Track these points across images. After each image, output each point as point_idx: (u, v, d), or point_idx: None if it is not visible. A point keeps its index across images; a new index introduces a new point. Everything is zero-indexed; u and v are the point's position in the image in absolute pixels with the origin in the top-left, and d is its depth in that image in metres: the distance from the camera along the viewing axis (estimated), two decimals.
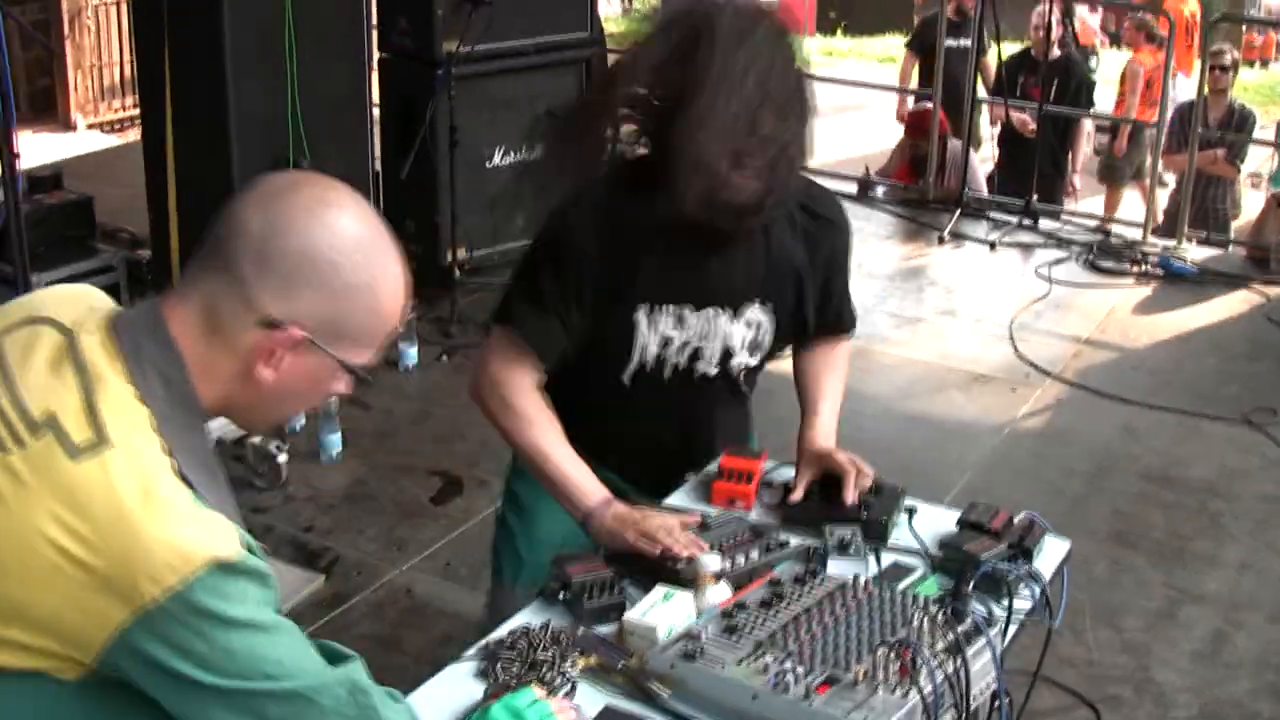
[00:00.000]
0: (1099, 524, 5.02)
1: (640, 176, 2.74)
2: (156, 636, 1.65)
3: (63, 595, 1.64)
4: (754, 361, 2.99)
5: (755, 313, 2.93)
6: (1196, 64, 8.53)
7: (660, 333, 2.86)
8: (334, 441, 5.33)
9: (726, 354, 2.93)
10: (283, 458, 5.07)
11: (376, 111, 7.01)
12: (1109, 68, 12.35)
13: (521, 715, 2.16)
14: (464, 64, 6.54)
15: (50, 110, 11.35)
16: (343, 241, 1.80)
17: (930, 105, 8.90)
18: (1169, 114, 8.76)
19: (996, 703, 2.47)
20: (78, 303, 1.85)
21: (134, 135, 9.94)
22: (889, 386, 6.17)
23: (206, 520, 1.70)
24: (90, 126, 11.35)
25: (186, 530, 1.67)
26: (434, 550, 4.74)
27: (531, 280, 2.82)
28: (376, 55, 7.04)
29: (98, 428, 1.69)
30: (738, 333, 2.92)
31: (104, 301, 1.88)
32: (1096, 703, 4.04)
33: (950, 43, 9.00)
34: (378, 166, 6.95)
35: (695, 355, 2.91)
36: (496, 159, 6.86)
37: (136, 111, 11.28)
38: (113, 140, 10.97)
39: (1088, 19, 12.10)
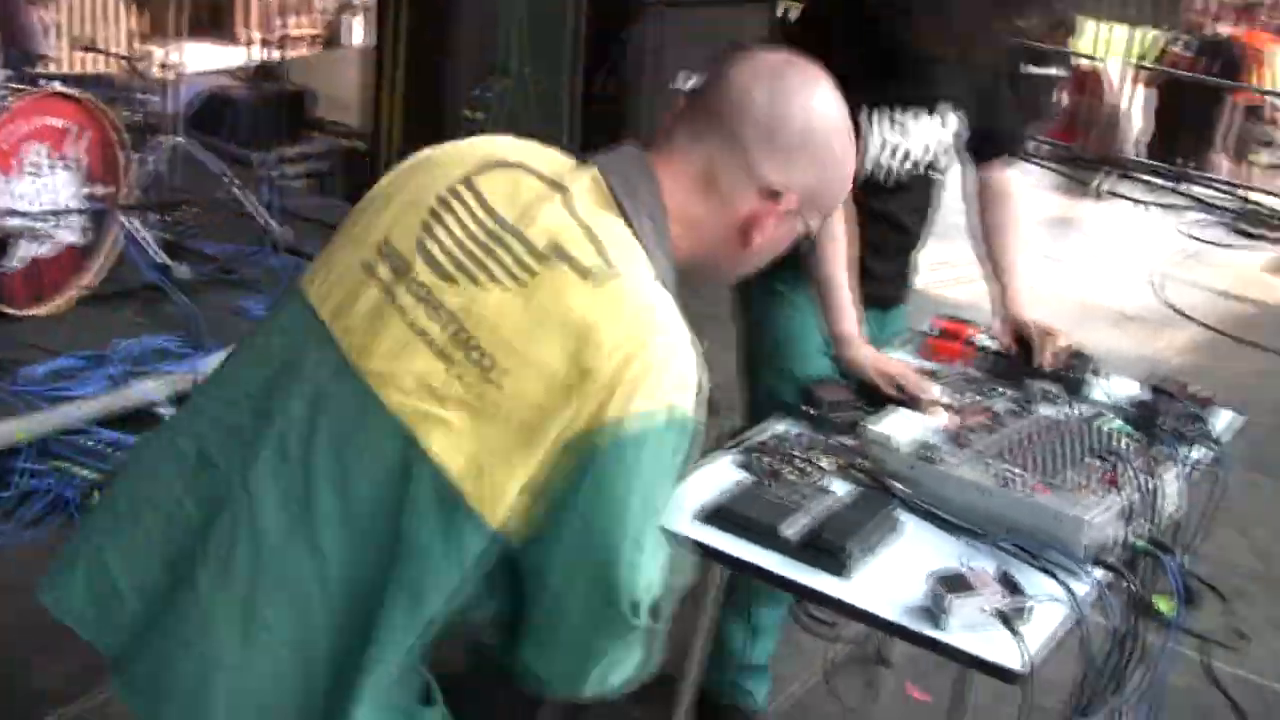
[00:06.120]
0: (1234, 448, 5.38)
1: None
2: (589, 452, 1.68)
3: (541, 405, 1.67)
4: (952, 163, 3.38)
5: (951, 116, 3.31)
6: None
7: (881, 136, 3.21)
8: None
9: (929, 154, 3.32)
10: None
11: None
12: None
13: None
14: None
15: (218, 25, 12.00)
16: (835, 122, 1.92)
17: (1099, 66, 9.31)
18: None
19: (1179, 530, 2.91)
20: (534, 150, 1.91)
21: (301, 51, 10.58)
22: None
23: (692, 361, 1.76)
24: (256, 43, 11.98)
25: (680, 366, 1.74)
26: None
27: None
28: None
29: (604, 256, 1.74)
30: (938, 134, 3.31)
31: (554, 150, 1.93)
32: (1226, 593, 4.44)
33: None
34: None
35: (906, 157, 3.28)
36: (681, 83, 7.28)
37: (300, 32, 11.96)
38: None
39: None
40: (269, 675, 1.74)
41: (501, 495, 1.69)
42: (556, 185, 1.83)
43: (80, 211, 5.22)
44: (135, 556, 1.84)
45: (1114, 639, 2.57)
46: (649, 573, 1.72)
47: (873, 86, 3.13)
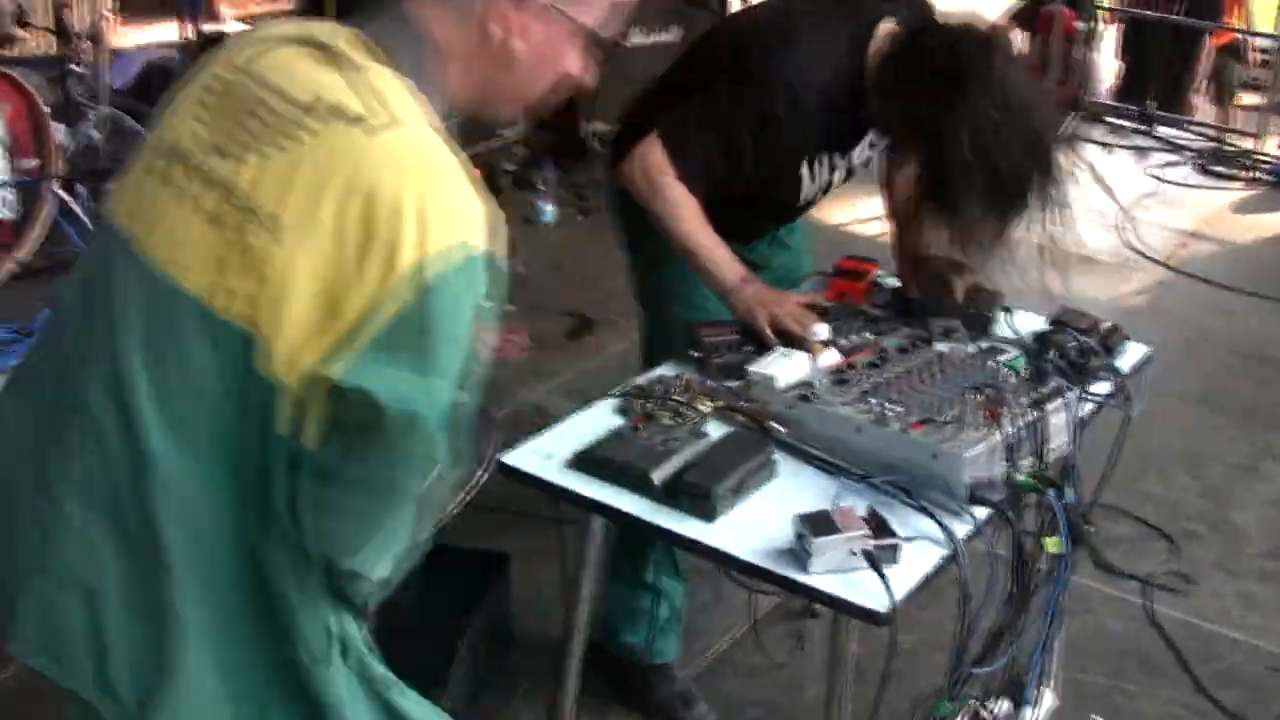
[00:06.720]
0: (1189, 387, 5.30)
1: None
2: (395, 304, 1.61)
3: (334, 267, 1.62)
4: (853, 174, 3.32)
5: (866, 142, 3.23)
6: None
7: (820, 179, 3.19)
8: None
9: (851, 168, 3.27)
10: None
11: None
12: None
13: None
14: None
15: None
16: None
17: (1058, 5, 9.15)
18: None
19: (1069, 466, 2.79)
20: (303, 24, 1.85)
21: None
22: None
23: (477, 202, 1.69)
24: (236, 19, 11.89)
25: (466, 204, 1.68)
26: (564, 377, 5.13)
27: (716, 116, 3.02)
28: None
29: (372, 104, 1.67)
30: (865, 154, 3.25)
31: (326, 23, 1.85)
32: (1173, 535, 4.35)
33: None
34: None
35: (831, 184, 3.26)
36: (636, 38, 7.17)
37: (274, 7, 11.87)
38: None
39: None
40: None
41: (298, 359, 1.63)
42: (317, 45, 1.77)
43: (9, 185, 5.16)
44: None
45: (995, 578, 2.47)
46: (446, 398, 1.65)
47: (820, 143, 3.13)
